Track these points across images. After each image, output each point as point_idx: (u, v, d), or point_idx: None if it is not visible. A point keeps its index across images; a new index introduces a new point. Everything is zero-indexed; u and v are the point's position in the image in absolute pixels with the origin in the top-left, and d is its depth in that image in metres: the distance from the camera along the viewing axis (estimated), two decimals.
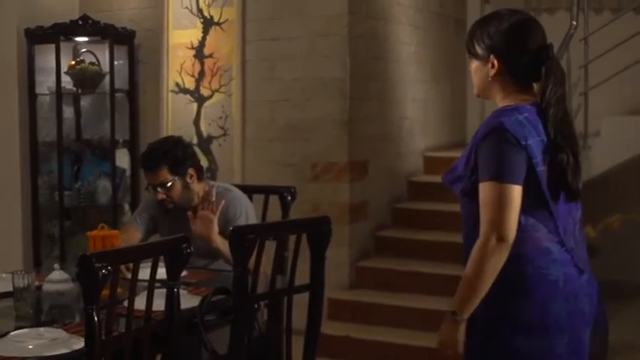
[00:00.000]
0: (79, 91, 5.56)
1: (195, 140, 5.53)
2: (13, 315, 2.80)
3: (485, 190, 2.19)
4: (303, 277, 2.86)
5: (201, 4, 5.55)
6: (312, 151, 5.26)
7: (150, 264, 2.45)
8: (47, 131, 5.57)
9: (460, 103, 6.68)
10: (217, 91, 5.52)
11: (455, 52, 6.37)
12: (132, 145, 5.72)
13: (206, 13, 5.55)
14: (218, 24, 5.52)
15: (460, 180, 2.30)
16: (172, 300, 2.50)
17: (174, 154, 3.51)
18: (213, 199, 3.45)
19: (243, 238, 2.63)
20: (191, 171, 3.54)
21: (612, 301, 5.19)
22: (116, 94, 5.61)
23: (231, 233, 2.67)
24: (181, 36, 5.62)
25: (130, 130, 5.72)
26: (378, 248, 5.49)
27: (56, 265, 2.95)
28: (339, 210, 5.13)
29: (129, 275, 2.50)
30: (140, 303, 2.44)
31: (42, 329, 2.56)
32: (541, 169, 2.20)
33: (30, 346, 2.41)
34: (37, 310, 2.83)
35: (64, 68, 5.47)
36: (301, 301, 2.86)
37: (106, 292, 2.27)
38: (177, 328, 2.53)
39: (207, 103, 5.56)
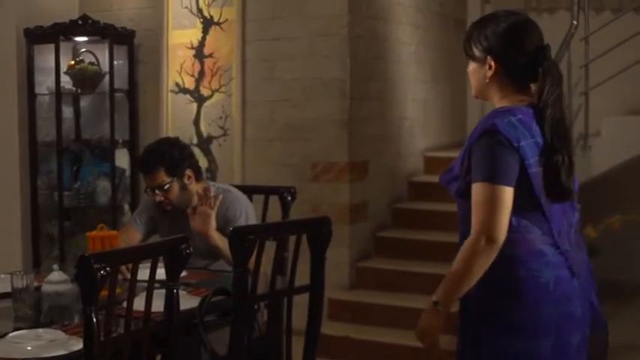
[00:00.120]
0: (79, 91, 5.56)
1: (195, 140, 5.53)
2: (11, 316, 2.79)
3: (477, 190, 2.20)
4: (303, 277, 2.86)
5: (201, 4, 5.54)
6: (312, 151, 5.25)
7: (149, 265, 2.44)
8: (47, 131, 5.56)
9: (460, 103, 6.68)
10: (217, 91, 5.51)
11: (455, 52, 6.33)
12: (131, 145, 5.71)
13: (206, 13, 5.54)
14: (218, 24, 5.51)
15: (456, 180, 2.32)
16: (172, 301, 2.49)
17: (171, 155, 3.50)
18: (212, 194, 3.44)
19: (243, 239, 2.62)
20: (189, 172, 3.53)
21: (612, 301, 5.20)
22: (116, 94, 5.61)
23: (231, 234, 2.67)
24: (181, 36, 5.61)
25: (129, 130, 5.71)
26: (379, 248, 5.49)
27: (55, 266, 2.94)
28: (339, 210, 5.13)
29: (129, 275, 2.49)
30: (139, 304, 2.43)
31: (41, 330, 2.55)
32: (534, 170, 2.21)
33: (28, 348, 2.40)
34: (35, 311, 2.82)
35: (63, 68, 5.46)
36: (301, 301, 2.86)
37: (104, 293, 2.27)
38: (176, 329, 2.52)
39: (207, 103, 5.55)
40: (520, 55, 2.29)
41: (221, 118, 5.51)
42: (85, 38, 5.61)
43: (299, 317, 2.84)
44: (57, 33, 5.43)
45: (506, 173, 2.18)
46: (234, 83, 5.45)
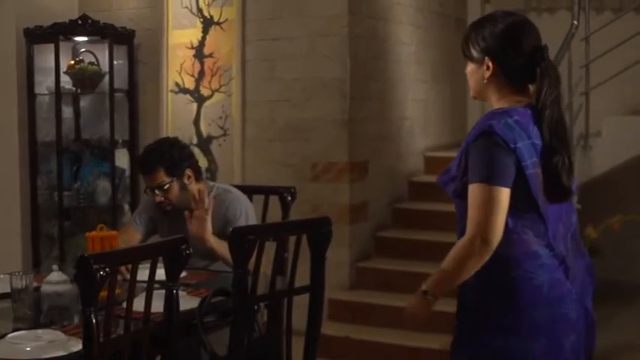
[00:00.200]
0: (79, 90, 5.55)
1: (195, 140, 5.52)
2: (11, 316, 2.78)
3: (474, 191, 2.20)
4: (303, 277, 2.85)
5: (201, 4, 5.54)
6: (312, 151, 5.25)
7: (149, 265, 2.43)
8: (46, 131, 5.56)
9: (460, 103, 6.67)
10: (217, 91, 5.51)
11: (455, 52, 6.28)
12: (131, 145, 5.71)
13: (206, 13, 5.53)
14: (218, 24, 5.50)
15: (453, 181, 2.32)
16: (171, 301, 2.49)
17: (171, 155, 3.49)
18: (206, 198, 3.43)
19: (243, 239, 2.62)
20: (188, 172, 3.53)
21: (612, 301, 5.21)
22: (115, 94, 5.60)
23: (231, 234, 2.66)
24: (181, 36, 5.61)
25: (129, 130, 5.71)
26: (379, 249, 5.48)
27: (55, 266, 2.93)
28: (339, 210, 5.12)
29: (129, 276, 2.48)
30: (139, 304, 2.43)
31: (40, 331, 2.54)
32: (530, 172, 2.21)
33: (28, 348, 2.39)
34: (35, 312, 2.82)
35: (63, 68, 5.45)
36: (301, 302, 2.86)
37: (104, 294, 2.26)
38: (176, 329, 2.52)
39: (207, 103, 5.55)
40: (518, 56, 2.28)
41: (221, 118, 5.50)
42: (84, 38, 5.60)
43: (299, 318, 2.84)
44: (57, 33, 5.43)
45: (503, 174, 2.18)
46: (234, 83, 5.44)
